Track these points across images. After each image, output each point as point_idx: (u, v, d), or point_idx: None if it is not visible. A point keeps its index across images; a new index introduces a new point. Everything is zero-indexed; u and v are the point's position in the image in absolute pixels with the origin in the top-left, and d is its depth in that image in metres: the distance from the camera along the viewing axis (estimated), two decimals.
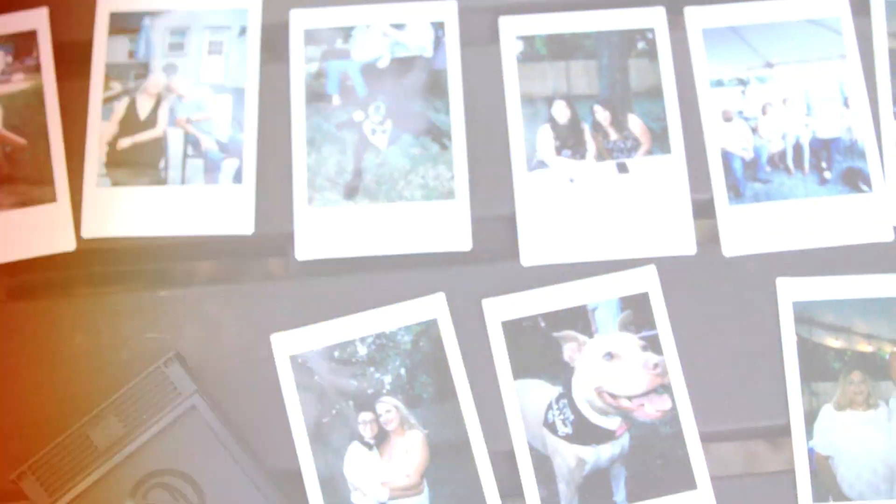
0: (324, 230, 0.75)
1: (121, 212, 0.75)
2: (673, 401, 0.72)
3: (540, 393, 0.72)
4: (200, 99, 0.78)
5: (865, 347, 0.73)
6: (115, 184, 0.76)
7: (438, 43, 0.78)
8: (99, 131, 0.77)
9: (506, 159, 0.77)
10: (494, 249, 0.75)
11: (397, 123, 0.77)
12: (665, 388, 0.72)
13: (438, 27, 0.78)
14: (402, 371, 0.72)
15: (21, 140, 0.77)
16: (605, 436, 0.72)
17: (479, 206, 0.76)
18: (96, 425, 0.68)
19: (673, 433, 0.72)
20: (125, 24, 0.78)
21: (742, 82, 0.78)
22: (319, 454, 0.71)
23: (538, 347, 0.73)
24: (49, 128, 0.77)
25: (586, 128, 0.77)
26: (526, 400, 0.72)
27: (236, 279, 0.75)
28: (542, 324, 0.73)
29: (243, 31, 0.78)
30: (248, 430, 0.71)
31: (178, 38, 0.78)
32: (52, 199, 0.76)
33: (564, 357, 0.73)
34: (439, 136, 0.77)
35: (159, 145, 0.77)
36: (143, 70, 0.78)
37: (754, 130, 0.77)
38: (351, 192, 0.76)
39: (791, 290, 0.74)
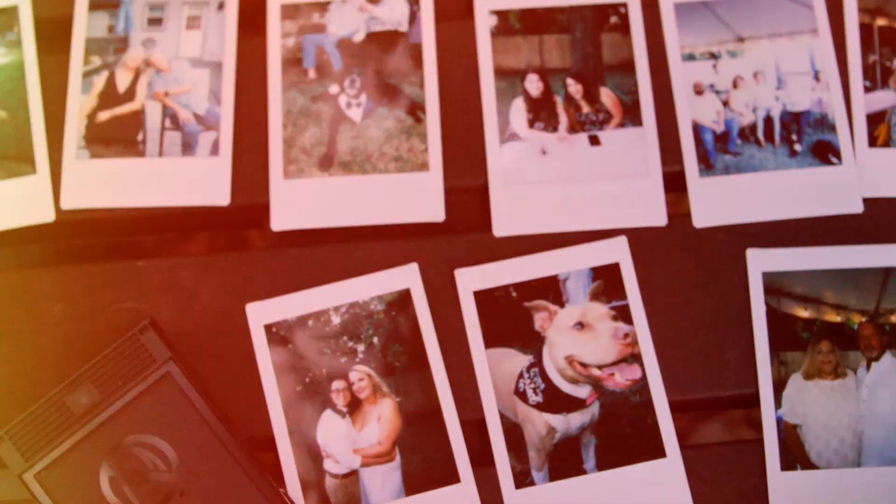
0: (299, 201, 0.74)
1: (99, 183, 0.74)
2: (643, 370, 0.71)
3: (511, 362, 0.71)
4: (179, 73, 0.76)
5: (834, 318, 0.72)
6: (94, 156, 0.75)
7: (413, 17, 0.77)
8: (78, 105, 0.76)
9: (479, 132, 0.75)
10: (467, 220, 0.74)
11: (372, 97, 0.76)
12: (635, 358, 0.71)
13: (413, 2, 0.77)
14: (375, 340, 0.71)
15: (2, 113, 0.75)
16: (575, 404, 0.71)
17: (453, 178, 0.75)
18: (72, 392, 0.67)
19: (642, 402, 0.71)
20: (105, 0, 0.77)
21: (713, 56, 0.77)
22: (292, 422, 0.70)
23: (510, 317, 0.72)
24: (29, 101, 0.76)
25: (559, 101, 0.76)
26: (497, 369, 0.71)
27: (212, 250, 0.74)
28: (514, 294, 0.72)
29: (221, 5, 0.77)
30: (222, 398, 0.70)
31: (157, 13, 0.77)
32: (32, 171, 0.75)
33: (536, 326, 0.72)
34: (414, 109, 0.76)
35: (138, 118, 0.76)
36: (123, 44, 0.77)
37: (725, 104, 0.76)
38: (326, 164, 0.75)
39: (760, 261, 0.73)
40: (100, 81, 0.76)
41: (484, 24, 0.77)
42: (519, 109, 0.76)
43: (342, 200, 0.74)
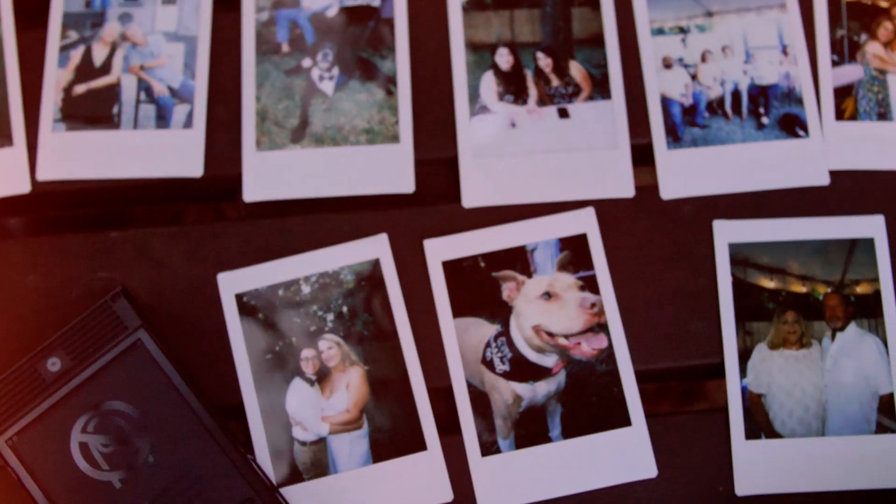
0: (271, 173, 0.73)
1: (75, 155, 0.73)
2: (609, 339, 0.70)
3: (479, 331, 0.70)
4: (154, 47, 0.75)
5: (800, 288, 0.71)
6: (70, 128, 0.74)
7: None
8: (55, 78, 0.75)
9: (450, 105, 0.74)
10: (437, 192, 0.73)
11: (345, 70, 0.74)
12: (601, 327, 0.70)
13: None
14: (345, 309, 0.70)
15: None
16: (541, 373, 0.69)
17: (423, 150, 0.73)
18: (44, 359, 0.66)
19: (608, 371, 0.69)
20: None
21: (683, 31, 0.75)
22: (262, 390, 0.69)
23: (478, 287, 0.70)
24: (7, 75, 0.75)
25: (528, 74, 0.74)
26: (465, 338, 0.70)
27: (186, 220, 0.73)
28: (482, 264, 0.71)
29: None
30: (193, 366, 0.69)
31: None
32: (9, 143, 0.74)
33: (503, 296, 0.70)
34: (385, 82, 0.74)
35: (113, 91, 0.74)
36: (99, 19, 0.76)
37: (694, 77, 0.74)
38: (298, 137, 0.73)
39: (727, 232, 0.72)
40: (76, 55, 0.75)
41: None
42: (489, 83, 0.74)
43: (314, 172, 0.73)
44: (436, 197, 0.73)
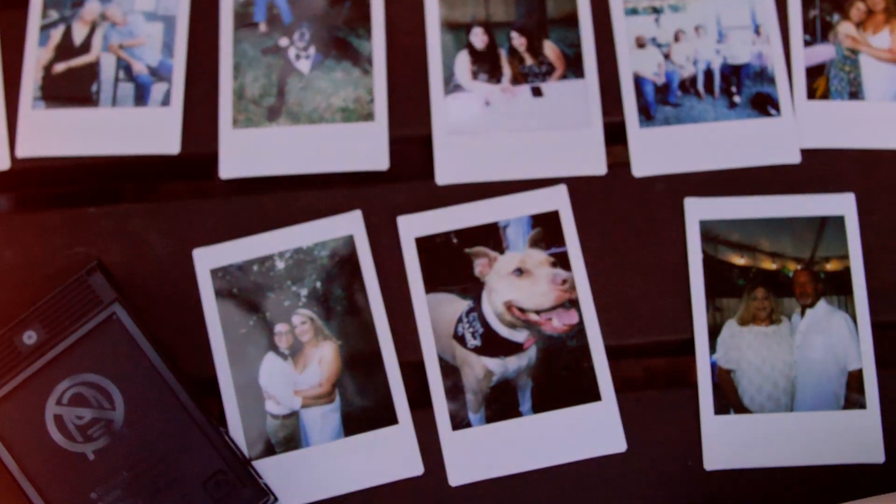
0: (247, 150, 0.72)
1: (54, 132, 0.72)
2: (580, 315, 0.69)
3: (451, 306, 0.69)
4: (133, 26, 0.74)
5: (770, 265, 0.70)
6: (50, 106, 0.73)
7: None
8: (35, 57, 0.74)
9: (424, 83, 0.73)
10: (411, 169, 0.72)
11: (321, 49, 0.74)
12: (572, 303, 0.69)
13: None
14: (318, 284, 0.69)
15: None
16: (512, 348, 0.68)
17: (398, 128, 0.73)
18: (20, 332, 0.66)
19: (579, 346, 0.68)
20: None
21: (656, 10, 0.74)
22: (236, 364, 0.68)
23: (450, 263, 0.70)
24: None
25: (503, 53, 0.73)
26: (437, 313, 0.69)
27: (162, 197, 0.72)
28: (455, 240, 0.70)
29: None
30: (168, 340, 0.68)
31: None
32: None
33: (475, 272, 0.70)
34: (361, 61, 0.73)
35: (92, 70, 0.74)
36: None
37: (667, 56, 0.73)
38: (274, 115, 0.72)
39: (698, 210, 0.71)
40: (57, 34, 0.74)
41: None
42: (463, 62, 0.73)
43: (289, 149, 0.72)
44: (410, 174, 0.72)
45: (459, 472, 0.67)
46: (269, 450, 0.67)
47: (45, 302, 0.66)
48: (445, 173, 0.71)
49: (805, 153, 0.72)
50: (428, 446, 0.67)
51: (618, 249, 0.70)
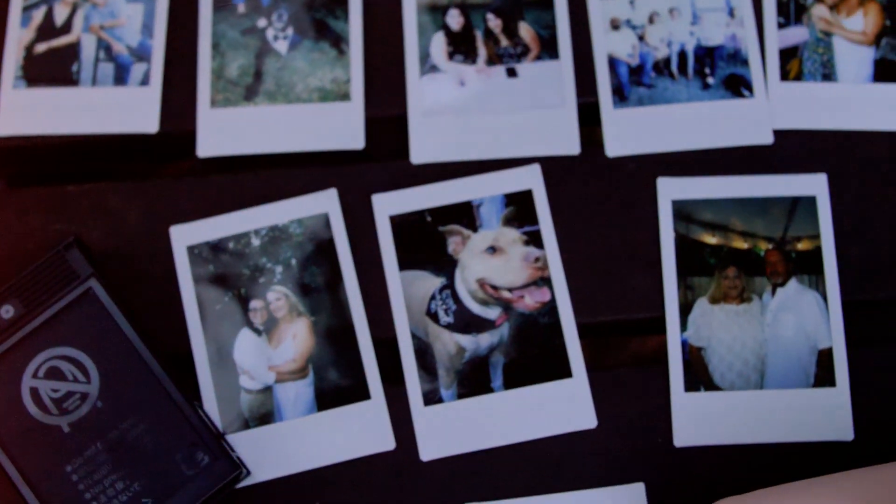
0: (225, 129, 0.72)
1: (35, 111, 0.73)
2: (552, 293, 0.69)
3: (424, 284, 0.69)
4: (114, 7, 0.75)
5: (741, 244, 0.70)
6: (30, 86, 0.73)
7: None
8: (17, 37, 0.74)
9: (400, 64, 0.73)
10: (386, 148, 0.72)
11: (298, 30, 0.74)
12: (545, 281, 0.69)
13: None
14: (293, 261, 0.69)
15: None
16: (485, 325, 0.69)
17: (374, 108, 0.73)
18: None
19: (551, 324, 0.68)
20: None
21: None
22: (211, 339, 0.68)
23: (424, 241, 0.70)
24: None
25: (478, 35, 0.74)
26: (410, 290, 0.69)
27: (141, 175, 0.72)
28: (429, 218, 0.70)
29: None
30: (144, 316, 0.69)
31: None
32: None
33: (449, 250, 0.70)
34: (338, 42, 0.74)
35: (73, 50, 0.74)
36: None
37: (641, 38, 0.73)
38: (252, 95, 0.73)
39: (670, 189, 0.71)
40: (38, 15, 0.75)
41: None
42: (439, 43, 0.73)
43: (266, 128, 0.72)
44: (385, 153, 0.72)
45: (431, 447, 0.67)
46: (243, 424, 0.67)
47: (22, 277, 0.66)
48: (420, 152, 0.71)
49: (777, 134, 0.72)
50: (400, 422, 0.67)
51: (590, 228, 0.70)
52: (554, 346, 0.68)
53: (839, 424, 0.67)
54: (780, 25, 0.73)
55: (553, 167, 0.71)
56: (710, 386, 0.67)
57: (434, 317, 0.68)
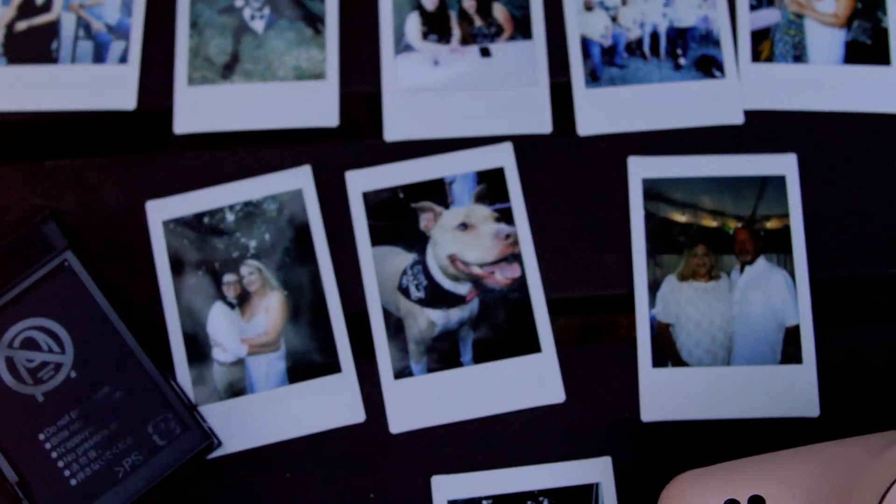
0: (201, 107, 0.73)
1: (14, 88, 0.74)
2: (522, 269, 0.70)
3: (396, 259, 0.70)
4: None
5: (711, 223, 0.71)
6: (11, 63, 0.74)
7: None
8: None
9: (375, 43, 0.74)
10: (360, 126, 0.73)
11: (275, 10, 0.75)
12: (515, 258, 0.70)
13: None
14: (267, 236, 0.70)
15: None
16: (455, 300, 0.69)
17: (348, 86, 0.74)
18: None
19: (521, 299, 0.69)
20: None
21: None
22: (184, 312, 0.69)
23: (396, 217, 0.71)
24: None
25: (452, 15, 0.74)
26: (382, 266, 0.70)
27: (118, 151, 0.73)
28: (401, 195, 0.71)
29: None
30: (120, 289, 0.70)
31: None
32: None
33: (421, 226, 0.71)
34: (314, 21, 0.75)
35: (53, 28, 0.75)
36: None
37: (614, 19, 0.74)
38: (228, 72, 0.74)
39: (641, 168, 0.72)
40: None
41: None
42: (414, 22, 0.74)
43: (242, 106, 0.73)
44: (359, 131, 0.73)
45: (400, 419, 0.68)
46: (215, 396, 0.68)
47: None
48: (394, 130, 0.72)
49: (748, 114, 0.73)
50: (370, 394, 0.68)
51: (561, 206, 0.71)
52: (523, 321, 0.69)
53: (805, 401, 0.67)
54: (752, 7, 0.74)
55: (525, 146, 0.72)
56: (678, 362, 0.68)
57: (405, 292, 0.69)
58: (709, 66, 0.73)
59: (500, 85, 0.73)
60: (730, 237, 0.70)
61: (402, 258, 0.70)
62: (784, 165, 0.71)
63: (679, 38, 0.74)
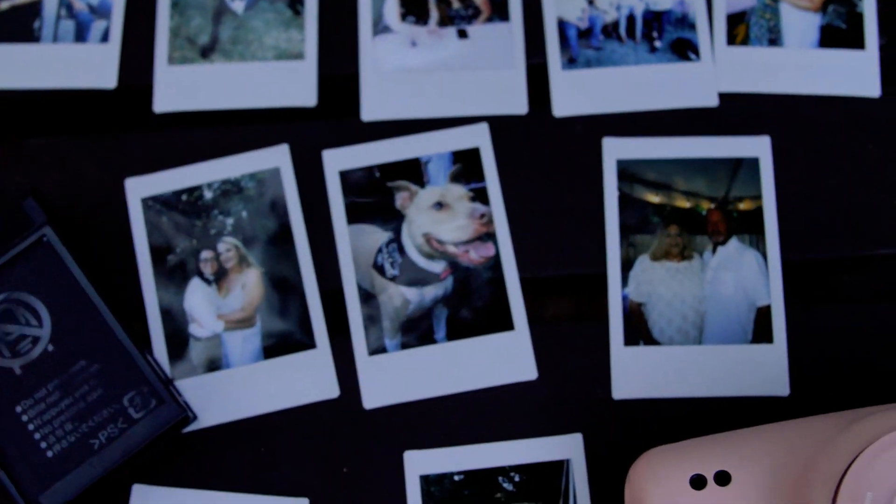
0: (181, 86, 0.74)
1: None
2: (496, 248, 0.71)
3: (371, 237, 0.71)
4: None
5: (684, 203, 0.71)
6: None
7: None
8: None
9: (354, 24, 0.75)
10: (338, 106, 0.74)
11: None
12: (490, 237, 0.71)
13: None
14: (245, 214, 0.71)
15: None
16: (430, 278, 0.70)
17: (327, 67, 0.75)
18: None
19: (494, 278, 0.70)
20: None
21: None
22: (162, 288, 0.70)
23: (372, 196, 0.72)
24: None
25: None
26: (358, 243, 0.71)
27: (99, 130, 0.74)
28: (378, 174, 0.72)
29: None
30: (99, 264, 0.71)
31: None
32: None
33: (397, 205, 0.72)
34: (293, 2, 0.76)
35: (35, 8, 0.76)
36: None
37: (590, 2, 0.75)
38: (208, 52, 0.75)
39: (616, 149, 0.72)
40: None
41: None
42: (392, 4, 0.75)
43: (222, 86, 0.74)
44: (337, 111, 0.74)
45: (374, 395, 0.68)
46: (191, 371, 0.69)
47: None
48: (371, 110, 0.73)
49: (723, 97, 0.73)
50: (344, 371, 0.69)
51: (536, 186, 0.72)
52: (497, 299, 0.70)
53: (775, 380, 0.68)
54: None
55: (501, 126, 0.72)
56: (650, 340, 0.69)
57: (380, 269, 0.70)
58: (684, 49, 0.74)
59: (477, 66, 0.74)
60: (703, 218, 0.71)
61: (377, 236, 0.71)
62: (758, 148, 0.72)
63: (655, 20, 0.74)
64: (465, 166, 0.72)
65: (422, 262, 0.70)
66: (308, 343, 0.69)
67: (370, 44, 0.74)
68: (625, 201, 0.72)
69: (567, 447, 0.67)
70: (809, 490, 0.56)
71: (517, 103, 0.73)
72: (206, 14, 0.75)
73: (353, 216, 0.71)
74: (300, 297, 0.70)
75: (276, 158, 0.72)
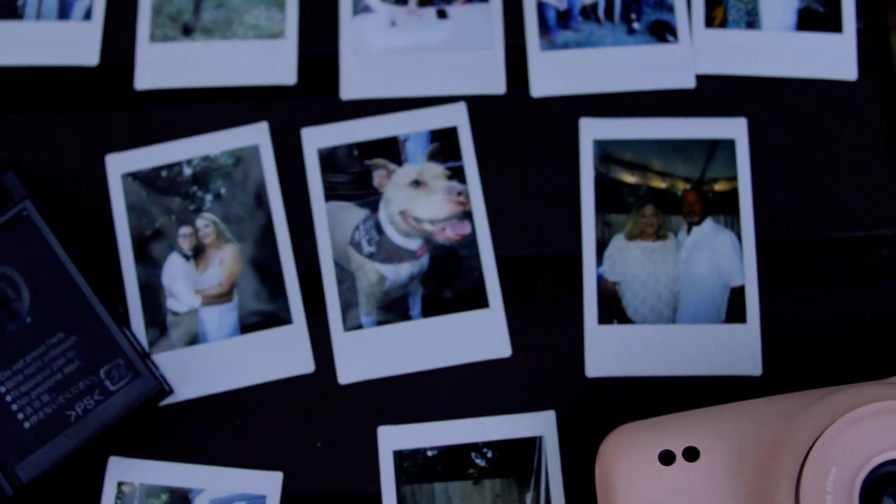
0: (162, 64, 0.75)
1: None
2: (473, 226, 0.71)
3: (349, 215, 0.72)
4: None
5: (660, 184, 0.72)
6: None
7: None
8: None
9: (334, 4, 0.76)
10: (317, 85, 0.74)
11: None
12: (466, 215, 0.71)
13: None
14: (223, 190, 0.72)
15: None
16: (406, 255, 0.71)
17: (307, 46, 0.75)
18: None
19: (470, 256, 0.71)
20: None
21: None
22: (140, 263, 0.71)
23: (350, 173, 0.72)
24: None
25: None
26: (335, 220, 0.72)
27: (80, 106, 0.75)
28: (356, 152, 0.72)
29: None
30: (79, 240, 0.71)
31: None
32: None
33: (374, 183, 0.72)
34: None
35: None
36: None
37: None
38: (189, 30, 0.75)
39: (592, 129, 0.73)
40: None
41: None
42: None
43: (202, 63, 0.75)
44: (316, 89, 0.74)
45: (349, 371, 0.69)
46: (169, 345, 0.69)
47: None
48: (350, 89, 0.74)
49: (700, 79, 0.74)
50: (320, 346, 0.70)
51: (513, 165, 0.72)
52: (472, 277, 0.70)
53: (748, 360, 0.69)
54: None
55: (479, 106, 0.73)
56: (624, 319, 0.69)
57: (357, 247, 0.71)
58: (662, 31, 0.74)
59: (456, 46, 0.74)
60: (678, 198, 0.71)
61: (354, 213, 0.71)
62: (734, 129, 0.72)
63: (633, 2, 0.75)
64: (443, 145, 0.72)
65: (398, 239, 0.71)
66: (285, 319, 0.70)
67: (350, 23, 0.75)
68: (601, 181, 0.72)
69: (540, 424, 0.68)
70: (776, 466, 0.56)
71: (495, 83, 0.74)
72: None
73: (331, 194, 0.72)
74: (277, 273, 0.70)
75: (256, 136, 0.73)
